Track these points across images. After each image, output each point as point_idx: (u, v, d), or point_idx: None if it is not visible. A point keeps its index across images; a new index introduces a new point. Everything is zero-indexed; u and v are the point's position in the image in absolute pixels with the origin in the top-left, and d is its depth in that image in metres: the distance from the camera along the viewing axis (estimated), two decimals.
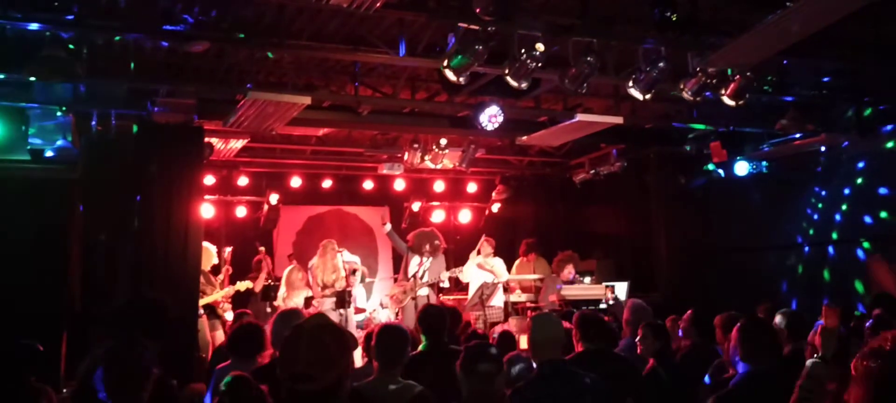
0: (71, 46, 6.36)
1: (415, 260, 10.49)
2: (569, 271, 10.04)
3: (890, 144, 9.05)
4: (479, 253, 10.79)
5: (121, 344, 3.66)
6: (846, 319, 5.93)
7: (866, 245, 9.26)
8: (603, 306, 9.16)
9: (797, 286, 10.03)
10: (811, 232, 10.04)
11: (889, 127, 8.95)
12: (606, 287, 9.44)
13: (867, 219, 9.29)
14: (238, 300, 9.63)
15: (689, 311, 6.40)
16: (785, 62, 7.98)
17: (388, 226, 11.04)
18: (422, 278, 10.21)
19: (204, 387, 5.52)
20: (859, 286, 9.22)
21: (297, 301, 9.90)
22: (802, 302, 9.55)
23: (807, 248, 10.07)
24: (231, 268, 9.89)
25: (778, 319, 5.69)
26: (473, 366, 3.68)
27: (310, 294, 10.16)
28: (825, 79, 8.71)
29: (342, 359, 2.49)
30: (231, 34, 6.79)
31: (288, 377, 2.44)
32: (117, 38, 6.72)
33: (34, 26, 6.17)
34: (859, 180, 9.43)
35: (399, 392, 3.99)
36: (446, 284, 10.64)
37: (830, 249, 9.74)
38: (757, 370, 3.82)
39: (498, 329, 7.10)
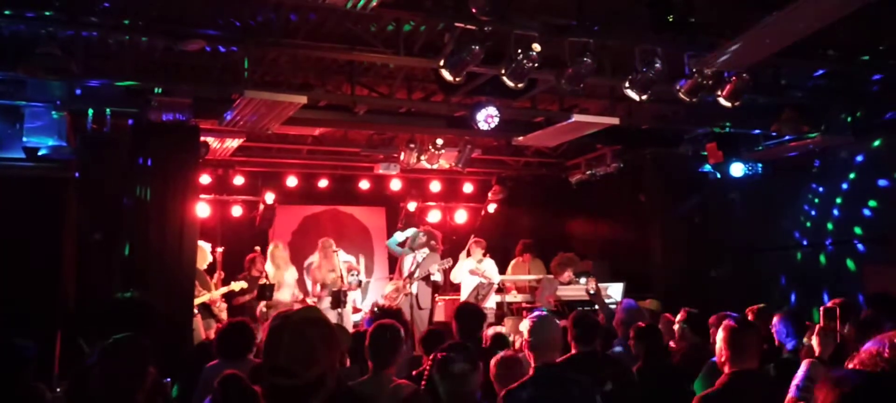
0: (66, 44, 6.34)
1: (408, 260, 10.50)
2: (568, 275, 10.01)
3: (876, 143, 9.07)
4: (469, 254, 10.78)
5: (118, 342, 3.65)
6: (845, 319, 5.92)
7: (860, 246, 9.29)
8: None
9: (794, 286, 10.04)
10: (808, 230, 10.05)
11: (883, 128, 8.97)
12: (589, 277, 9.31)
13: (863, 218, 9.29)
14: (232, 300, 9.64)
15: (682, 311, 6.41)
16: (780, 64, 7.99)
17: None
18: (415, 274, 10.22)
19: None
20: (856, 285, 9.22)
21: (287, 278, 9.98)
22: (800, 302, 9.56)
23: (803, 248, 10.08)
24: (223, 274, 9.90)
25: (776, 319, 5.69)
26: (448, 368, 3.69)
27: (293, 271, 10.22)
28: (820, 82, 8.73)
29: (327, 355, 2.38)
30: (227, 33, 6.78)
31: (268, 369, 2.34)
32: (112, 36, 6.71)
33: (29, 24, 6.16)
34: (855, 179, 9.44)
35: (393, 392, 3.99)
36: (437, 277, 10.58)
37: (827, 249, 9.75)
38: (742, 371, 3.83)
39: (490, 330, 7.07)
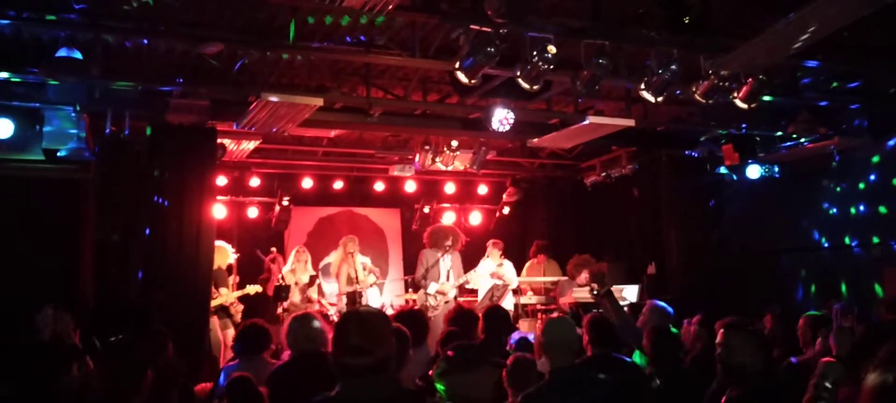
0: (85, 47, 6.41)
1: (436, 258, 10.31)
2: (584, 276, 9.98)
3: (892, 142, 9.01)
4: (487, 257, 10.73)
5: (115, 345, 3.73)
6: (863, 320, 5.90)
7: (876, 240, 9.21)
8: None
9: (813, 287, 9.98)
10: (825, 233, 9.98)
11: None
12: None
13: (882, 217, 9.21)
14: (248, 303, 9.70)
15: (697, 315, 6.38)
16: (797, 66, 7.94)
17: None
18: (448, 280, 10.16)
19: (211, 386, 5.61)
20: (878, 288, 9.15)
21: (303, 278, 9.99)
22: (818, 304, 9.49)
23: (821, 250, 10.01)
24: (238, 277, 9.95)
25: (802, 322, 5.67)
26: (448, 366, 3.65)
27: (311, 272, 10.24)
28: (837, 83, 8.67)
29: (390, 339, 2.69)
30: (245, 36, 6.82)
31: (341, 353, 2.62)
32: (131, 39, 6.77)
33: (49, 27, 6.23)
34: (874, 179, 9.36)
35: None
36: (470, 283, 10.54)
37: (845, 251, 9.68)
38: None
39: (514, 335, 7.04)
